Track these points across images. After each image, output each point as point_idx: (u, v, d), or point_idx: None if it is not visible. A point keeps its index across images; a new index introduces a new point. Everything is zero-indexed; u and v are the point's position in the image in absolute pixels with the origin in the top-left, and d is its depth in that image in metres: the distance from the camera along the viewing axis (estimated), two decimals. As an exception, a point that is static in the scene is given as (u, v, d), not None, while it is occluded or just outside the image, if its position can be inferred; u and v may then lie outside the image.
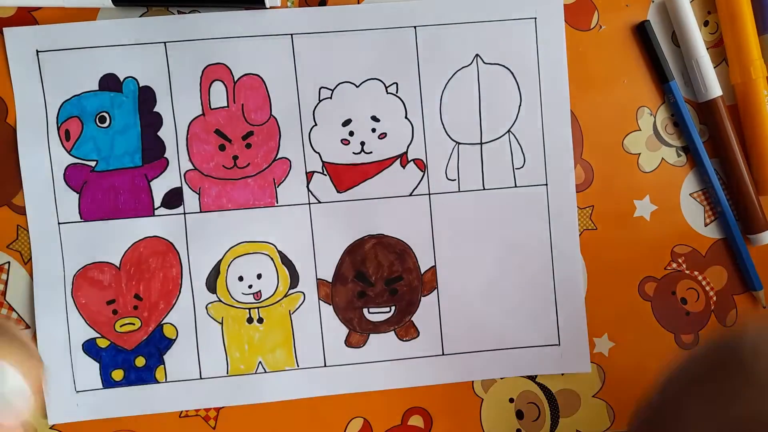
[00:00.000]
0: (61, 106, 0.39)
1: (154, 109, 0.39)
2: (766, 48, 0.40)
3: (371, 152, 0.40)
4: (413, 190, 0.40)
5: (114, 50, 0.39)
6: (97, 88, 0.39)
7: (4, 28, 0.38)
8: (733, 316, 0.42)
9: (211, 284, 0.40)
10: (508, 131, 0.40)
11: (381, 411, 0.41)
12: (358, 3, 0.40)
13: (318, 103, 0.40)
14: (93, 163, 0.39)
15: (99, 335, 0.40)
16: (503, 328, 0.40)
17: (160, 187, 0.39)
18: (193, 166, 0.40)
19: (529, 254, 0.41)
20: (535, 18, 0.40)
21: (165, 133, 0.39)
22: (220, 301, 0.40)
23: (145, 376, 0.40)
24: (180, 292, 0.40)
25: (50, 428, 0.39)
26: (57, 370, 0.39)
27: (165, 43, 0.39)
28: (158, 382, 0.40)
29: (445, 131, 0.40)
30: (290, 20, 0.39)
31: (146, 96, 0.39)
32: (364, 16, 0.39)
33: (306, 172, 0.40)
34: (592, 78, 0.41)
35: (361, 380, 0.40)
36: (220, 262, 0.40)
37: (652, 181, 0.41)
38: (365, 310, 0.40)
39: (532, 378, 0.41)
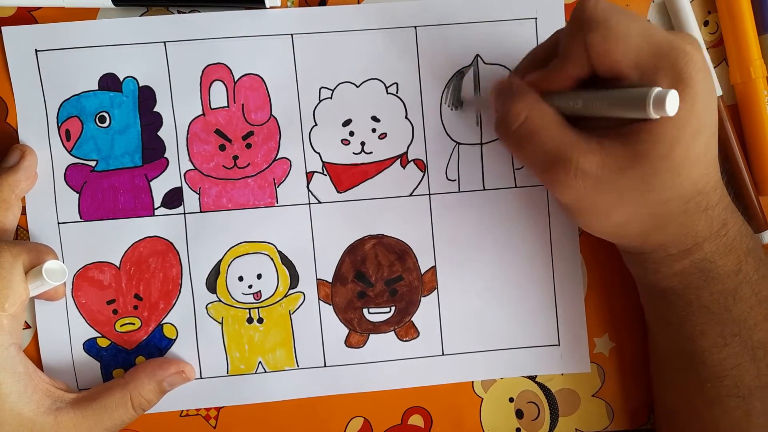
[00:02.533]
0: (60, 106, 0.39)
1: (154, 109, 0.39)
2: (766, 48, 0.40)
3: (371, 152, 0.40)
4: (413, 191, 0.40)
5: (114, 50, 0.39)
6: (96, 88, 0.39)
7: (2, 27, 0.38)
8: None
9: (211, 284, 0.40)
10: (509, 131, 0.40)
11: (381, 410, 0.41)
12: (358, 3, 0.40)
13: (318, 103, 0.40)
14: (93, 163, 0.39)
15: (99, 335, 0.40)
16: (503, 328, 0.41)
17: (160, 187, 0.39)
18: (193, 166, 0.40)
19: (529, 254, 0.41)
20: (536, 18, 0.40)
21: (165, 133, 0.39)
22: (220, 301, 0.40)
23: (145, 376, 0.40)
24: (180, 292, 0.40)
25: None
26: (58, 369, 0.39)
27: (165, 42, 0.39)
28: (158, 382, 0.40)
29: (446, 131, 0.40)
30: (290, 20, 0.39)
31: (146, 96, 0.39)
32: (364, 16, 0.39)
33: (306, 172, 0.40)
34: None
35: (361, 380, 0.40)
36: (220, 262, 0.40)
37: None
38: (365, 311, 0.40)
39: (532, 377, 0.41)
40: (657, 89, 0.28)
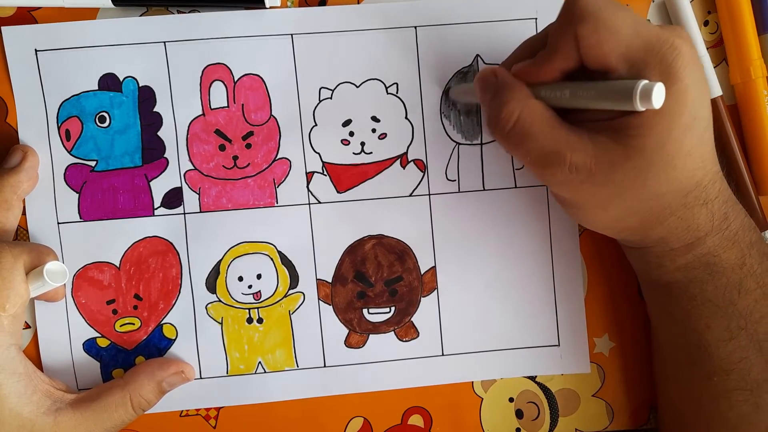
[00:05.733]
0: (60, 106, 0.39)
1: (154, 109, 0.39)
2: (766, 48, 0.40)
3: (371, 152, 0.40)
4: (413, 191, 0.40)
5: (114, 50, 0.39)
6: (96, 88, 0.39)
7: (2, 27, 0.38)
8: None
9: (211, 284, 0.40)
10: (508, 132, 0.40)
11: (381, 410, 0.41)
12: (358, 3, 0.40)
13: (318, 104, 0.40)
14: (93, 163, 0.39)
15: (99, 335, 0.40)
16: (503, 329, 0.41)
17: (160, 187, 0.39)
18: (193, 166, 0.40)
19: (529, 254, 0.41)
20: (536, 18, 0.40)
21: (165, 133, 0.39)
22: (220, 301, 0.40)
23: (145, 376, 0.40)
24: (180, 292, 0.40)
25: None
26: (58, 370, 0.39)
27: (165, 42, 0.39)
28: (158, 382, 0.40)
29: (445, 132, 0.40)
30: (290, 20, 0.39)
31: (146, 96, 0.39)
32: (364, 16, 0.39)
33: (306, 173, 0.40)
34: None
35: (360, 381, 0.40)
36: (219, 262, 0.40)
37: (652, 182, 0.41)
38: (365, 311, 0.40)
39: (532, 377, 0.41)
40: (644, 82, 0.28)
